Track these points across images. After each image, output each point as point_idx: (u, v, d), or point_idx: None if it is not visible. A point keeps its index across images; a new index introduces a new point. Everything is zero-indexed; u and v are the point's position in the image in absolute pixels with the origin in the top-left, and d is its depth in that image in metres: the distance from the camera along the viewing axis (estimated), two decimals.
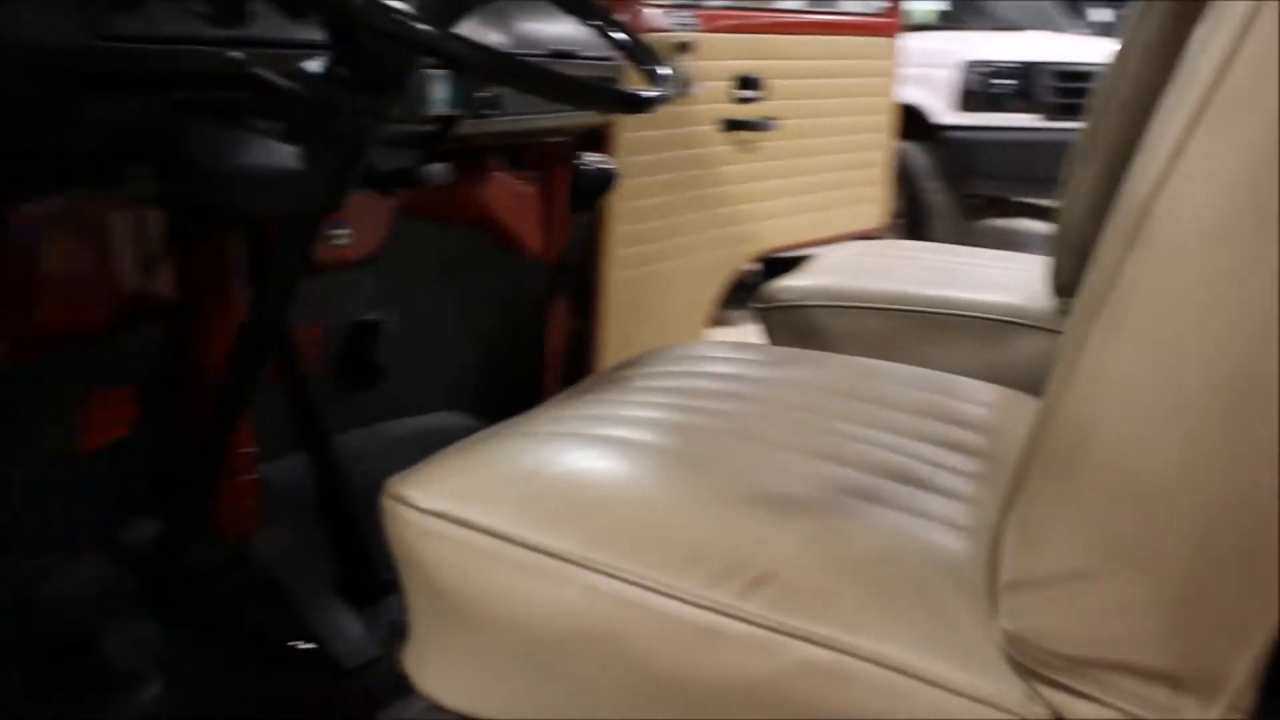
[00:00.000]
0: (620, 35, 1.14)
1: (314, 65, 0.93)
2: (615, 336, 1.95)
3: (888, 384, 1.12)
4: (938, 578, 0.70)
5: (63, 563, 1.21)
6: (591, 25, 1.16)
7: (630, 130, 1.89)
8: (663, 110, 2.00)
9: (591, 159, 1.47)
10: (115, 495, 1.21)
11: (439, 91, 1.30)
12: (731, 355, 1.23)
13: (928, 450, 0.94)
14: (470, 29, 1.25)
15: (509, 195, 1.67)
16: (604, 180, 1.51)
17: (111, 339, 1.21)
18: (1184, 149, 0.52)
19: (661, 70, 1.08)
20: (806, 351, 1.33)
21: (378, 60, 0.92)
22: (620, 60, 1.11)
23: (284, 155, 0.95)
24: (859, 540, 0.74)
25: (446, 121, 1.30)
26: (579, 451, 0.85)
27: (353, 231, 1.54)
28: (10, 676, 1.17)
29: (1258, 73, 0.49)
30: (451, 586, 0.79)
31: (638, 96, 0.98)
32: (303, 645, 1.22)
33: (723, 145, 2.14)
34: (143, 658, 1.21)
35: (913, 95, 4.44)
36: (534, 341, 1.89)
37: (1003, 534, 0.64)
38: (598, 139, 1.85)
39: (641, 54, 1.12)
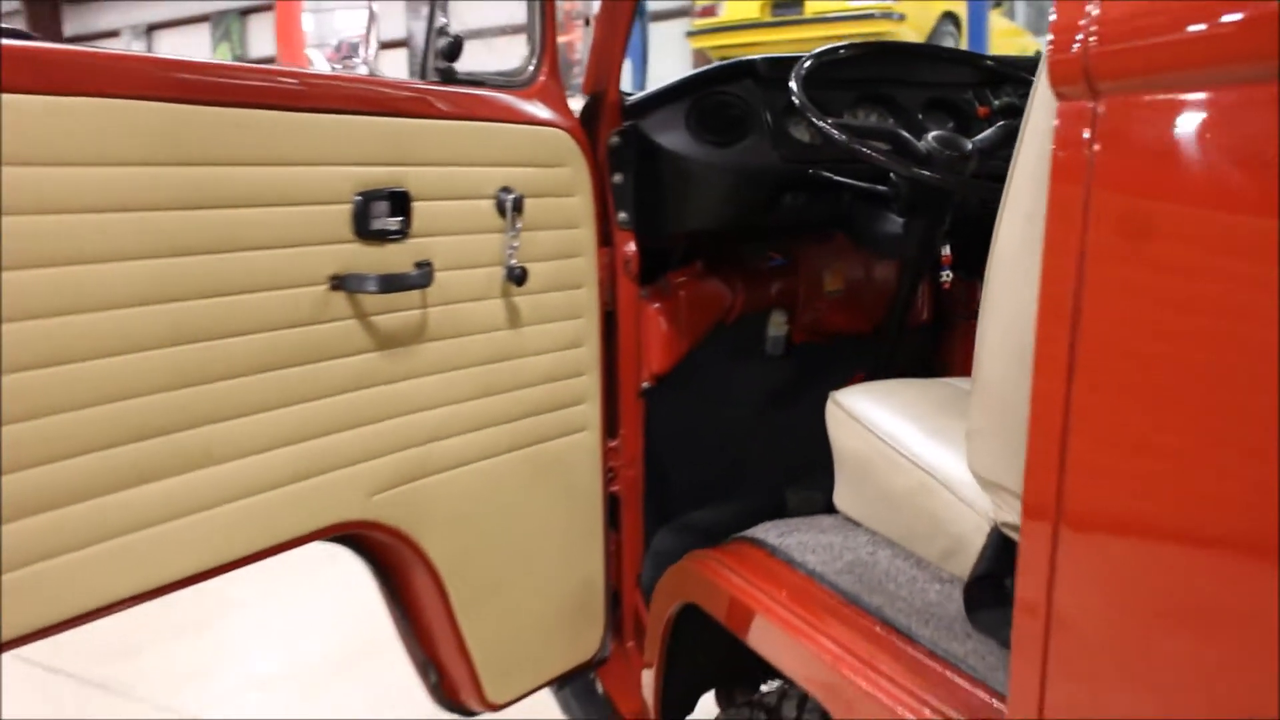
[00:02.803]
0: None
1: (905, 169, 1.50)
2: None
3: None
4: None
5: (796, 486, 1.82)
6: None
7: None
8: None
9: None
10: None
11: None
12: None
13: None
14: None
15: None
16: None
17: (875, 339, 1.89)
18: (1005, 206, 0.91)
19: None
20: None
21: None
22: None
23: (897, 224, 1.58)
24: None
25: None
26: (939, 386, 1.40)
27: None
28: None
29: (1028, 170, 0.87)
30: (833, 438, 1.37)
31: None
32: None
33: None
34: None
35: None
36: None
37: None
38: None
39: None
